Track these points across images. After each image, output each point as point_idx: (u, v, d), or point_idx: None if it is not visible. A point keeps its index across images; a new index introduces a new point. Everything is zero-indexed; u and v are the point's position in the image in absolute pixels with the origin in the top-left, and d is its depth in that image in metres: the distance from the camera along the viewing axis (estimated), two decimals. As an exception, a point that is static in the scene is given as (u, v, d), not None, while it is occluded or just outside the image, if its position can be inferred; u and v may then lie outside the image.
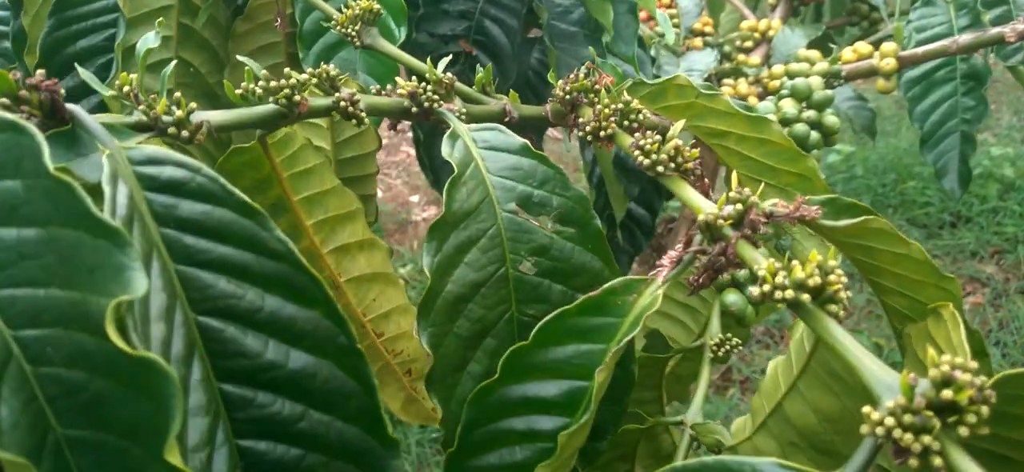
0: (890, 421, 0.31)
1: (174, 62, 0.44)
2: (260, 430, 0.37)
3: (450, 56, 0.87)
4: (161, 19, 0.41)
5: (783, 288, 0.39)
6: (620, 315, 0.44)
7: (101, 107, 0.62)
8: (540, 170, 0.50)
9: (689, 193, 0.46)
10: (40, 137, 0.30)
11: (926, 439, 0.31)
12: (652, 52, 0.97)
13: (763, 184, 0.47)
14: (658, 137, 0.47)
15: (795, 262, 0.39)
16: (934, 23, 0.96)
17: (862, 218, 0.43)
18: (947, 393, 0.30)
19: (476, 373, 0.47)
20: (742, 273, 0.45)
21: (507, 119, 0.61)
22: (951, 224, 2.68)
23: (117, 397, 0.29)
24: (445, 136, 0.49)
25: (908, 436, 0.31)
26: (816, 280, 0.38)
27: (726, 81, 1.00)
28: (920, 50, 0.90)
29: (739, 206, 0.43)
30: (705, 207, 0.44)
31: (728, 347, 0.67)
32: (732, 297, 0.73)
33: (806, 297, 0.38)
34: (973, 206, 2.68)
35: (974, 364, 0.31)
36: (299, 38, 0.64)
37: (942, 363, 0.31)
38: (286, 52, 0.70)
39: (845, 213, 0.46)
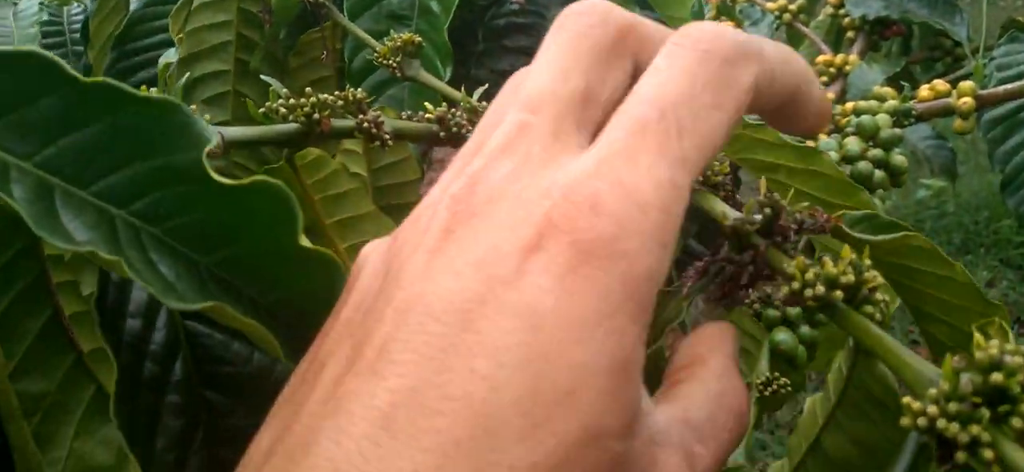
0: (933, 410, 0.28)
1: (186, 76, 0.46)
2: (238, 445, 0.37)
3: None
4: (181, 35, 0.43)
5: (813, 285, 0.36)
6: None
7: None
8: None
9: (717, 204, 0.45)
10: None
11: (974, 429, 0.27)
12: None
13: (793, 190, 0.46)
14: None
15: (825, 258, 0.37)
16: (1020, 60, 0.91)
17: (902, 234, 0.41)
18: (996, 376, 0.27)
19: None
20: (771, 312, 0.43)
21: (547, 148, 0.61)
22: (1049, 266, 2.55)
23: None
24: None
25: (954, 426, 0.27)
26: (849, 277, 0.36)
27: (798, 120, 0.97)
28: (1001, 89, 0.86)
29: (768, 211, 0.41)
30: (731, 213, 0.43)
31: (776, 387, 0.64)
32: (781, 335, 0.69)
33: (839, 294, 0.36)
34: (1054, 232, 2.53)
35: None
36: (348, 76, 0.65)
37: (990, 346, 0.28)
38: (337, 87, 0.72)
39: (884, 230, 0.44)
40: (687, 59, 0.26)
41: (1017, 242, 2.61)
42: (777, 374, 0.67)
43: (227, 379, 0.36)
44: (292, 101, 0.44)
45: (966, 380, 0.28)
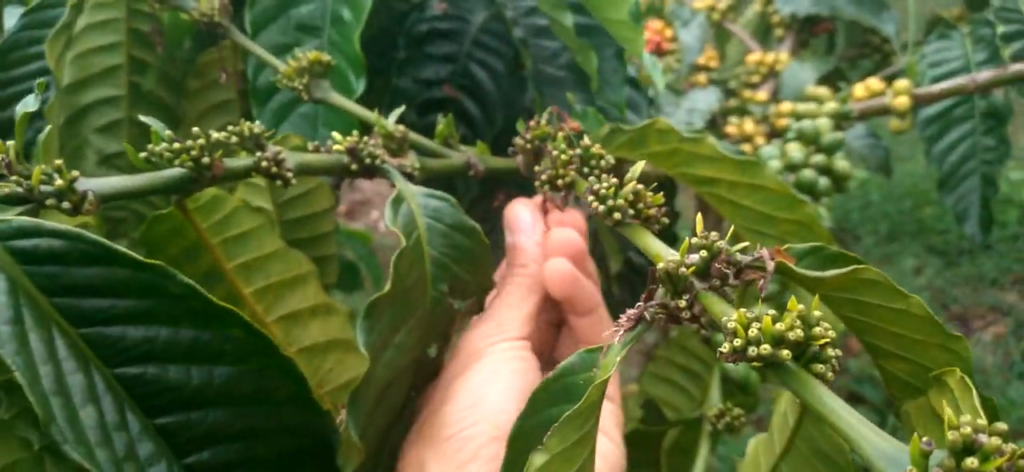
0: None
1: (49, 127, 0.40)
2: (202, 444, 0.38)
3: (431, 101, 0.84)
4: (41, 81, 0.37)
5: (757, 343, 0.33)
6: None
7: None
8: (479, 258, 0.47)
9: (650, 241, 0.41)
10: None
11: (946, 524, 0.24)
12: (651, 92, 0.92)
13: (731, 228, 0.42)
14: (615, 181, 0.42)
15: (771, 312, 0.33)
16: (950, 58, 0.90)
17: (851, 268, 0.38)
18: (970, 462, 0.24)
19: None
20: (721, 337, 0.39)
21: (472, 173, 0.57)
22: (970, 251, 2.60)
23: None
24: (389, 201, 0.45)
25: (923, 521, 0.24)
26: (797, 333, 0.32)
27: (732, 119, 0.95)
28: (936, 88, 0.85)
29: (704, 253, 0.37)
30: (666, 255, 0.39)
31: (729, 418, 0.61)
32: (732, 361, 0.67)
33: (786, 353, 0.32)
34: (993, 232, 2.60)
35: (1003, 426, 0.25)
36: (252, 96, 0.60)
37: (962, 425, 0.24)
38: (242, 110, 0.66)
39: (831, 263, 0.41)
40: None
41: (940, 229, 2.68)
42: (730, 404, 0.64)
43: (174, 404, 0.37)
44: (177, 145, 0.39)
45: (936, 466, 0.24)
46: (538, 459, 0.33)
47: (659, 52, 1.05)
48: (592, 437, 0.36)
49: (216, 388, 0.37)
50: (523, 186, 1.00)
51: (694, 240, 0.38)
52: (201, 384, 0.37)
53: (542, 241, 0.51)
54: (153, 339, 0.36)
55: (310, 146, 0.48)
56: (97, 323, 0.35)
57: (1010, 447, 0.24)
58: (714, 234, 0.38)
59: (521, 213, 0.52)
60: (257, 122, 0.43)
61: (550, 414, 0.37)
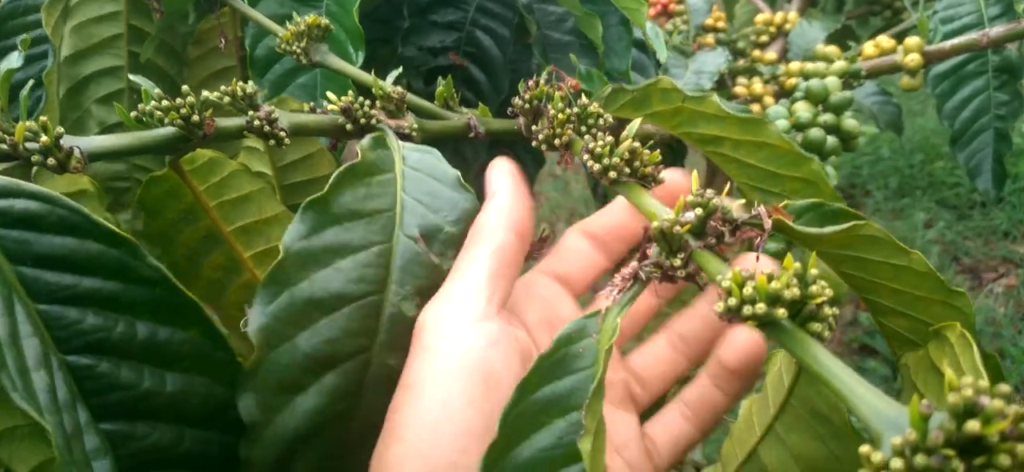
0: (897, 463, 0.24)
1: (30, 84, 0.40)
2: (144, 463, 0.36)
3: (437, 69, 0.84)
4: (25, 37, 0.37)
5: (752, 302, 0.32)
6: (590, 364, 0.36)
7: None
8: (461, 206, 0.43)
9: (646, 200, 0.40)
10: None
11: (946, 488, 0.23)
12: (659, 54, 0.91)
13: (729, 184, 0.41)
14: (611, 139, 0.41)
15: (768, 270, 0.33)
16: (962, 13, 0.89)
17: (850, 224, 0.37)
18: (972, 425, 0.23)
19: (307, 409, 0.37)
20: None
21: (473, 134, 0.57)
22: (982, 204, 2.59)
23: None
24: (369, 137, 0.43)
25: (923, 484, 0.23)
26: (793, 292, 0.31)
27: (740, 80, 0.94)
28: (947, 44, 0.83)
29: (700, 211, 0.37)
30: (661, 213, 0.38)
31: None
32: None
33: (782, 312, 0.31)
34: (1005, 185, 2.58)
35: (1006, 388, 0.24)
36: (250, 65, 0.59)
37: (964, 386, 0.23)
38: (242, 77, 0.66)
39: (831, 220, 0.40)
40: None
41: (951, 183, 2.67)
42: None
43: (121, 407, 0.35)
44: (166, 102, 0.39)
45: (937, 429, 0.23)
46: (586, 444, 0.31)
47: (666, 14, 1.04)
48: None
49: (165, 399, 0.36)
50: (529, 148, 0.99)
51: (689, 198, 0.37)
52: (151, 390, 0.35)
53: (511, 197, 0.43)
54: (111, 329, 0.35)
55: (306, 108, 0.48)
56: (57, 301, 0.34)
57: (1013, 409, 0.23)
58: (710, 191, 0.37)
59: (494, 171, 0.45)
60: (250, 82, 0.43)
61: (550, 391, 0.35)
